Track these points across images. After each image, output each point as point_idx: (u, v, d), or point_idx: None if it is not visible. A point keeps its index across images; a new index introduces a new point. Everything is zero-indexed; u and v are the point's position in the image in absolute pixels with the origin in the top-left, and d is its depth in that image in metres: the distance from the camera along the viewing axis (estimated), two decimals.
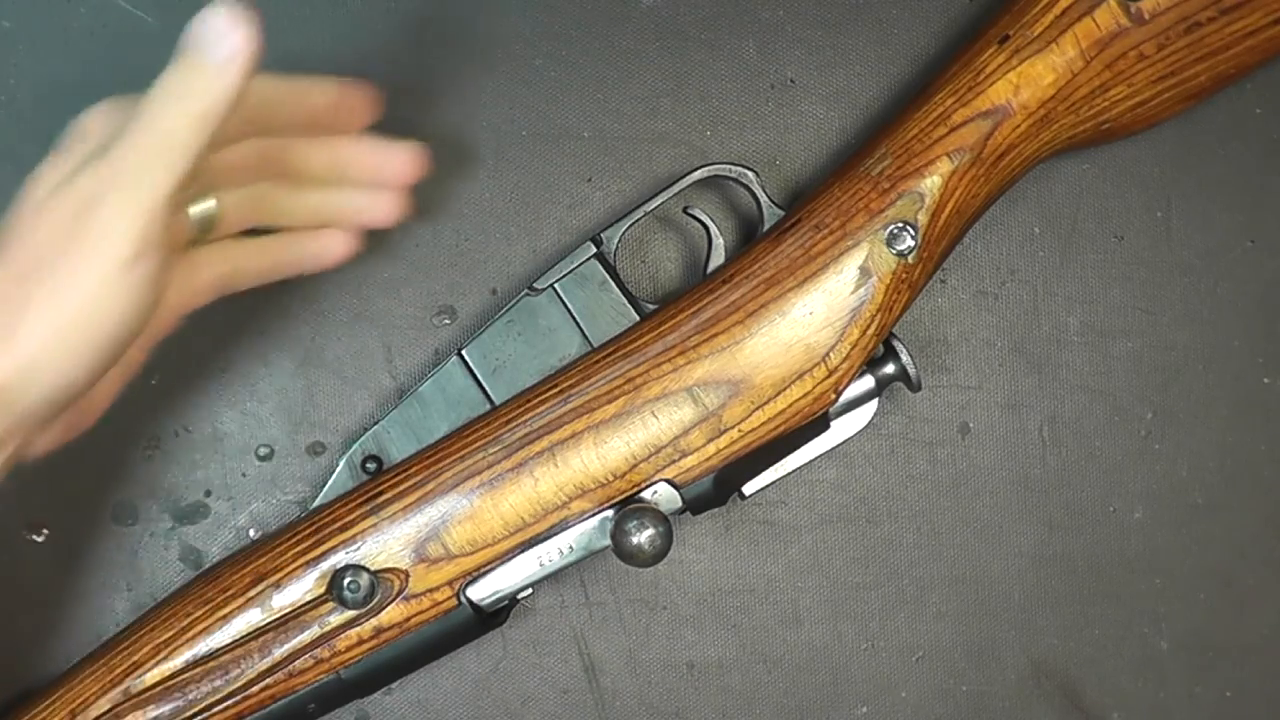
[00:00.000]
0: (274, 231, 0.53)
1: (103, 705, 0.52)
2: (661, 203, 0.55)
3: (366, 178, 0.53)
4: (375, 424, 0.54)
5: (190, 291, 0.51)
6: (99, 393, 0.50)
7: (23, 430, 0.46)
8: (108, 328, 0.45)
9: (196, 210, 0.50)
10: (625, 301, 0.54)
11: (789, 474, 0.55)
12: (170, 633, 0.52)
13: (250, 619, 0.52)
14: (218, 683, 0.52)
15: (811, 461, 0.55)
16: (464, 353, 0.54)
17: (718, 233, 0.56)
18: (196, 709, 0.51)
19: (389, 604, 0.51)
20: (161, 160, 0.44)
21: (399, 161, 0.53)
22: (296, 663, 0.52)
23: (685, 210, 0.56)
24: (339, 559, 0.52)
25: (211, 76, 0.44)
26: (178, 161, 0.44)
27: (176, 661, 0.52)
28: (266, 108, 0.50)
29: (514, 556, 0.52)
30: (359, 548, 0.52)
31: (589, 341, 0.53)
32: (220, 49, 0.43)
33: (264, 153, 0.52)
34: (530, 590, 0.53)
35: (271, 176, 0.52)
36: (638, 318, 0.53)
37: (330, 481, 0.54)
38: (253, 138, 0.51)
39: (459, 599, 0.52)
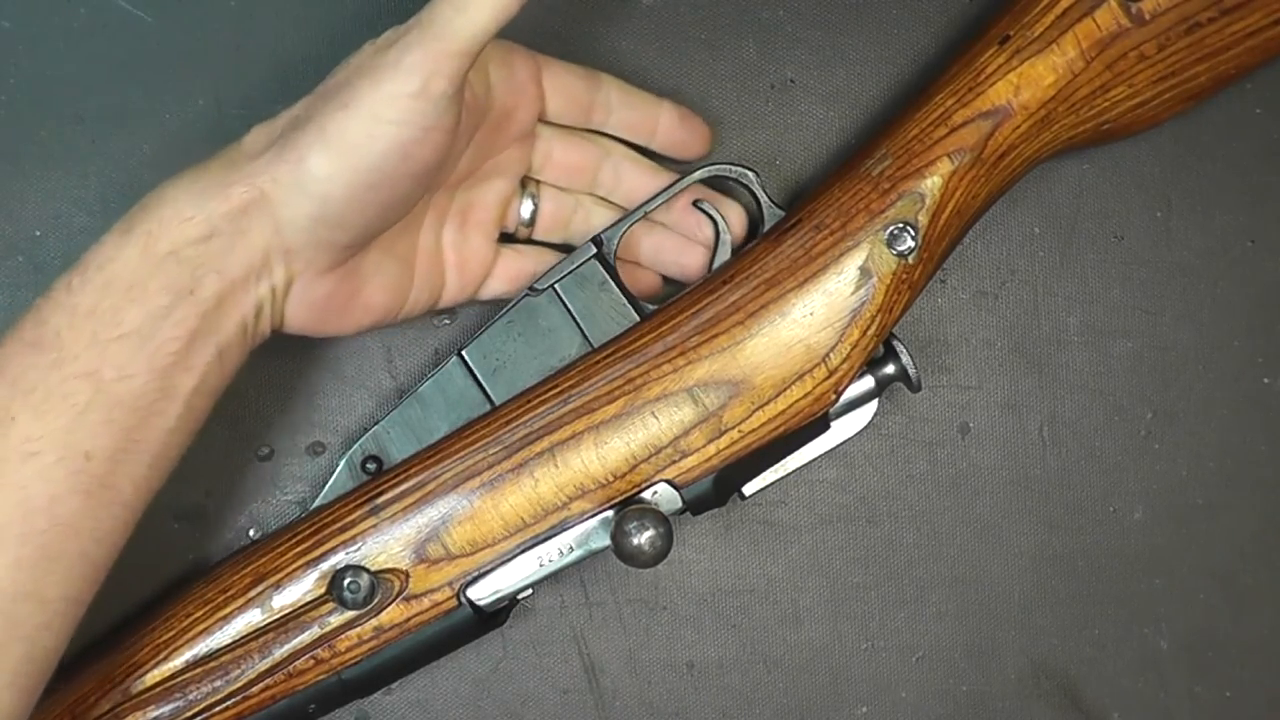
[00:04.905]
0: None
1: (103, 706, 0.52)
2: (662, 202, 0.55)
3: (674, 224, 0.57)
4: (375, 424, 0.54)
5: (488, 273, 0.55)
6: (362, 299, 0.51)
7: (284, 251, 0.48)
8: (375, 154, 0.46)
9: (526, 203, 0.56)
10: (625, 302, 0.54)
11: (789, 474, 0.55)
12: (170, 633, 0.52)
13: (250, 619, 0.52)
14: (218, 683, 0.52)
15: (811, 462, 0.55)
16: (464, 353, 0.54)
17: (725, 227, 0.56)
18: (197, 709, 0.51)
19: (389, 604, 0.51)
20: (464, 14, 0.46)
21: (704, 229, 0.56)
22: (296, 663, 0.52)
23: (695, 204, 0.56)
24: (339, 559, 0.52)
25: None
26: (479, 17, 0.46)
27: (177, 662, 0.52)
28: (615, 107, 0.55)
29: (514, 557, 0.52)
30: (359, 548, 0.52)
31: (589, 342, 0.53)
32: None
33: (596, 161, 0.56)
34: (530, 590, 0.53)
35: (593, 189, 0.56)
36: (638, 318, 0.53)
37: (330, 481, 0.54)
38: (592, 133, 0.56)
39: (459, 599, 0.52)
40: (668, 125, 0.56)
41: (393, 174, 0.47)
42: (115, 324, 0.46)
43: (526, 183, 0.56)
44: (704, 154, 0.57)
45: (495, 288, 0.56)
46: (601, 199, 0.57)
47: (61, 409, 0.45)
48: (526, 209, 0.56)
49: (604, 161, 0.56)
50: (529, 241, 0.57)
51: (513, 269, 0.56)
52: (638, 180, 0.56)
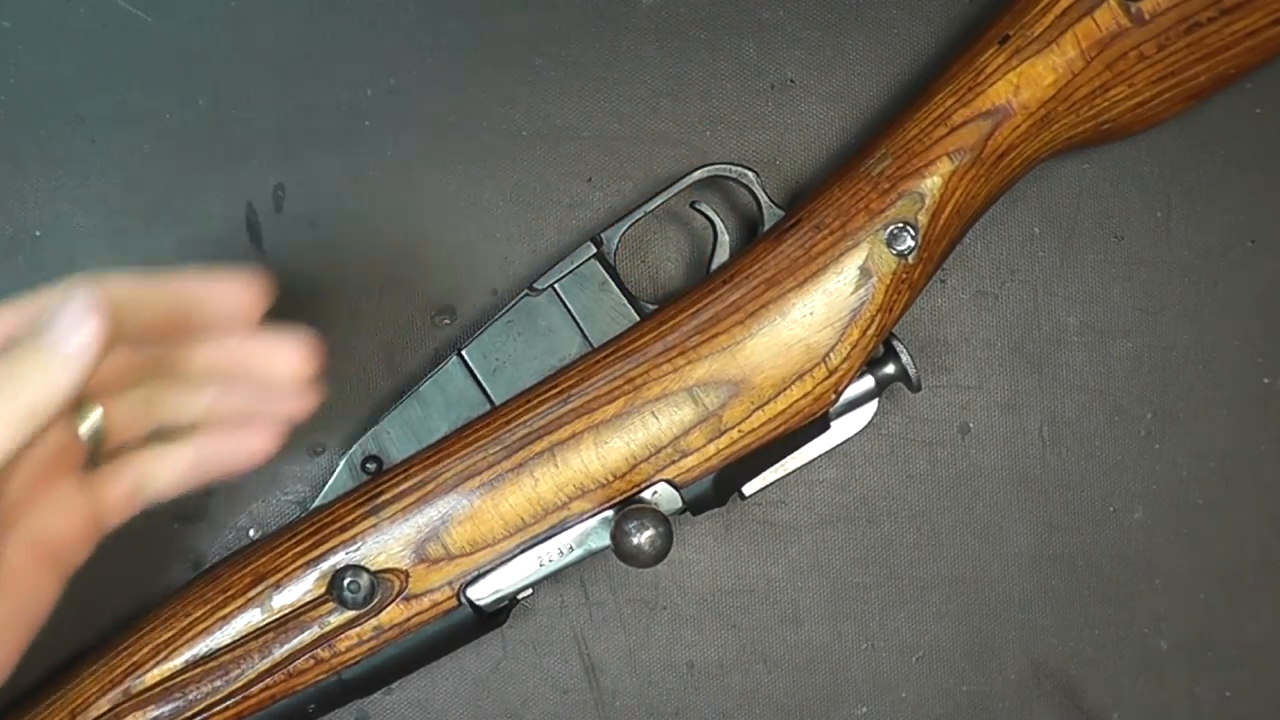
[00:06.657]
0: (182, 438, 0.49)
1: (103, 705, 0.52)
2: (662, 203, 0.55)
3: (260, 374, 0.49)
4: (375, 424, 0.54)
5: (99, 512, 0.48)
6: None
7: None
8: None
9: (85, 426, 0.47)
10: (625, 302, 0.54)
11: (789, 474, 0.55)
12: (170, 633, 0.52)
13: (250, 619, 0.52)
14: (218, 683, 0.52)
15: (811, 461, 0.55)
16: (464, 353, 0.54)
17: (724, 229, 0.56)
18: (197, 709, 0.52)
19: (389, 604, 0.51)
20: None
21: (289, 356, 0.49)
22: (296, 663, 0.52)
23: (692, 205, 0.56)
24: (339, 559, 0.52)
25: (55, 368, 0.41)
26: None
27: (176, 662, 0.52)
28: (131, 315, 0.44)
29: (514, 557, 0.52)
30: (359, 548, 0.52)
31: (589, 342, 0.53)
32: (71, 339, 0.41)
33: (143, 356, 0.48)
34: (530, 590, 0.53)
35: (158, 377, 0.49)
36: (638, 318, 0.53)
37: (330, 481, 0.54)
38: (125, 345, 0.46)
39: (459, 599, 0.52)
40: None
41: None
42: None
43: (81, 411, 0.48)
44: (261, 304, 0.49)
45: (113, 518, 0.49)
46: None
47: None
48: (94, 423, 0.48)
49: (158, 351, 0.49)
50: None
51: (118, 490, 0.49)
52: (194, 350, 0.49)
